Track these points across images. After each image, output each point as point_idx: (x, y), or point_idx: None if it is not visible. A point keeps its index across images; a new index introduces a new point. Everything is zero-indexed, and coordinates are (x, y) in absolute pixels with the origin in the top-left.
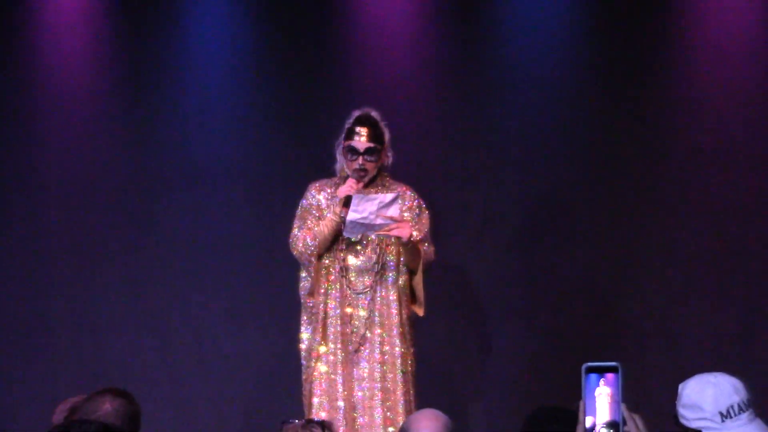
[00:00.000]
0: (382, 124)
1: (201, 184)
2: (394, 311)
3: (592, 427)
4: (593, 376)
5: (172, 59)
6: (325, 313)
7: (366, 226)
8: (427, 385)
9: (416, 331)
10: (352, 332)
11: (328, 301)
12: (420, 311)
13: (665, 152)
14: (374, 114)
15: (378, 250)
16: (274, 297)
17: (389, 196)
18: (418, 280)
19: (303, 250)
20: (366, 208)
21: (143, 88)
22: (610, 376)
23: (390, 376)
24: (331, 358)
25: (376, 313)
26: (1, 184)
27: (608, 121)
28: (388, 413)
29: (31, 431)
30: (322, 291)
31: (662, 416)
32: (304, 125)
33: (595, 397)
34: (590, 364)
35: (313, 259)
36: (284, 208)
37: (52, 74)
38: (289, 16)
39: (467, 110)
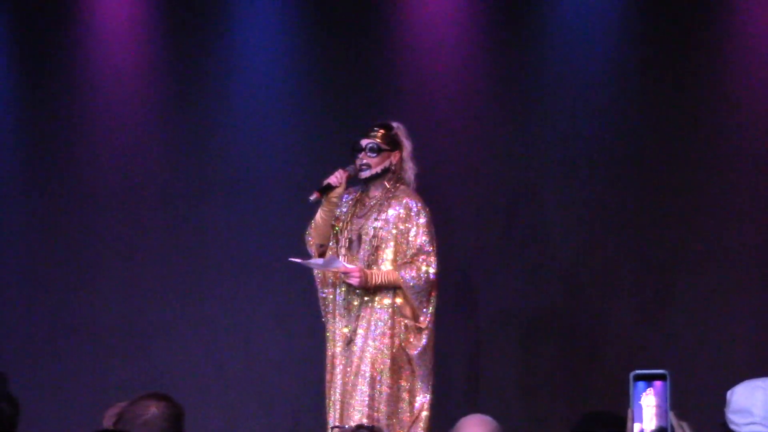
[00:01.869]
0: (400, 134)
1: (248, 189)
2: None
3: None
4: (641, 384)
5: (219, 66)
6: (335, 302)
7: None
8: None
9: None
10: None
11: (339, 290)
12: (419, 324)
13: (712, 155)
14: (395, 123)
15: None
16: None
17: (334, 265)
18: (408, 300)
19: (305, 239)
20: (313, 263)
21: (191, 93)
22: (658, 383)
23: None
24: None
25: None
26: (52, 190)
27: (654, 123)
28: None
29: None
30: (330, 282)
31: (710, 423)
32: (350, 130)
33: (642, 405)
34: (638, 371)
35: (311, 249)
36: None
37: (102, 81)
38: (335, 22)
39: (511, 112)
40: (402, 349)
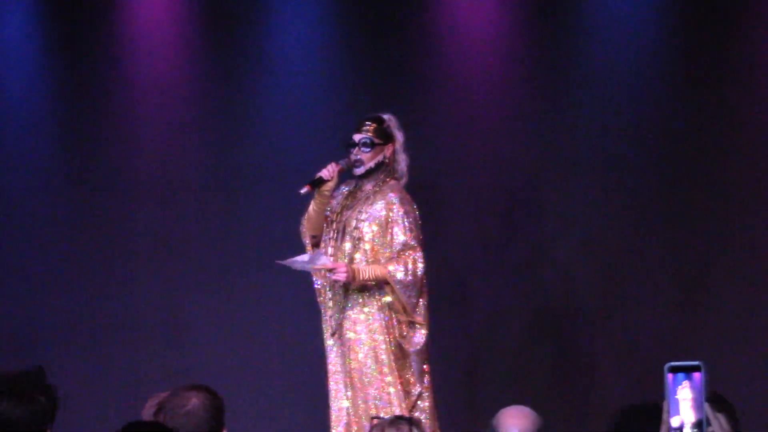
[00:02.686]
0: (392, 126)
1: (283, 182)
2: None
3: (678, 428)
4: (676, 376)
5: (255, 59)
6: (325, 293)
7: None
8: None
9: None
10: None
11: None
12: (412, 318)
13: (750, 148)
14: (386, 116)
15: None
16: None
17: (319, 262)
18: (397, 296)
19: (300, 230)
20: (298, 262)
21: (227, 86)
22: (693, 375)
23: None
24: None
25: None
26: (90, 183)
27: (694, 116)
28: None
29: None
30: (322, 272)
31: (746, 415)
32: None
33: (678, 398)
34: (673, 363)
35: (305, 240)
36: None
37: (139, 74)
38: (375, 15)
39: (550, 107)
40: (398, 344)
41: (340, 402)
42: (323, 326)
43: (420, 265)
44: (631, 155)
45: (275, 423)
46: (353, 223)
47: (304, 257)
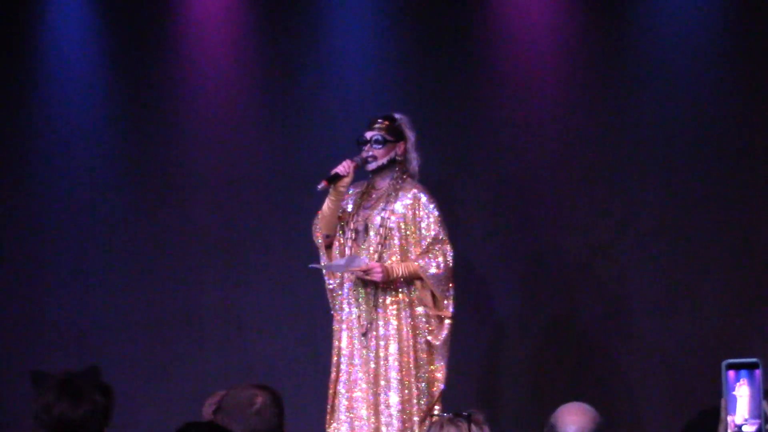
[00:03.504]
0: (403, 124)
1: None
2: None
3: (738, 426)
4: (733, 373)
5: (316, 60)
6: (343, 293)
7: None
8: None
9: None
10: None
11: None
12: (441, 312)
13: None
14: (398, 115)
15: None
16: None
17: (355, 264)
18: (428, 290)
19: (312, 229)
20: (334, 266)
21: (285, 87)
22: (752, 372)
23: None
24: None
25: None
26: (151, 180)
27: (753, 115)
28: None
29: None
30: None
31: None
32: (446, 123)
33: (735, 395)
34: (730, 361)
35: (318, 240)
36: None
37: (197, 75)
38: (430, 12)
39: (605, 106)
40: (426, 339)
41: (359, 411)
42: (334, 328)
43: (450, 258)
44: (688, 153)
45: None
46: (377, 221)
47: (341, 261)
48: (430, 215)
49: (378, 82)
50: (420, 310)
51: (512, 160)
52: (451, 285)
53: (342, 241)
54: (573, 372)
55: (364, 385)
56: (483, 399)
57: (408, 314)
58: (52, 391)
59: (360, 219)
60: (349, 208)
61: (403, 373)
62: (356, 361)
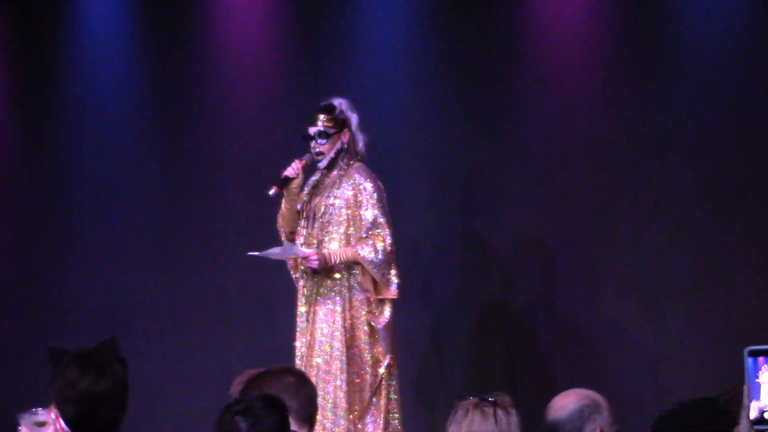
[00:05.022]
0: (344, 110)
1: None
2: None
3: (760, 411)
4: (757, 360)
5: (349, 54)
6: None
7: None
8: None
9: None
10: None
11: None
12: (383, 295)
13: None
14: (336, 102)
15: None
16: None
17: (291, 252)
18: (369, 275)
19: (277, 228)
20: (272, 254)
21: (318, 81)
22: None
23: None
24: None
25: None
26: (182, 167)
27: None
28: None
29: (209, 405)
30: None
31: None
32: (479, 121)
33: (759, 381)
34: (753, 347)
35: (282, 237)
36: (453, 201)
37: (232, 66)
38: (463, 12)
39: (639, 99)
40: (368, 322)
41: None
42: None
43: (389, 243)
44: (719, 144)
45: None
46: (322, 209)
47: (276, 250)
48: (370, 199)
49: (410, 72)
50: (360, 294)
51: (543, 150)
52: (392, 269)
53: (297, 231)
54: (595, 362)
55: (313, 371)
56: (507, 381)
57: (348, 298)
58: (75, 366)
59: (311, 206)
60: (305, 196)
61: (348, 355)
62: (305, 348)
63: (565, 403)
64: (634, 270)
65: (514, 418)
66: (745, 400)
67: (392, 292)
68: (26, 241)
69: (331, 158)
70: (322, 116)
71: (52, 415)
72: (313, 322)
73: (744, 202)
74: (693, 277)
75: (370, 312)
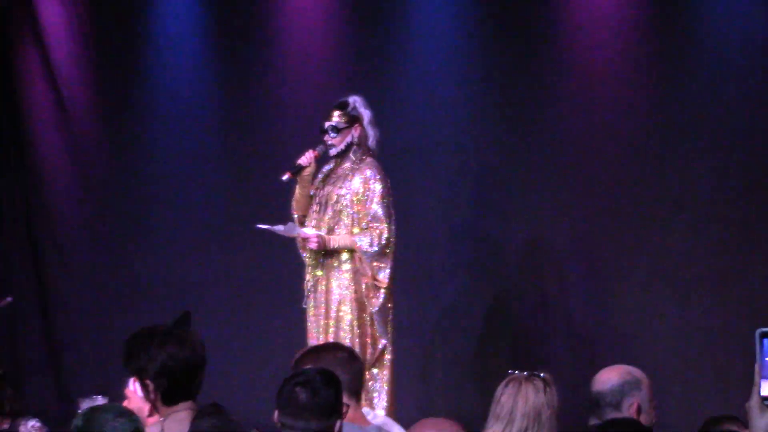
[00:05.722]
0: (357, 107)
1: (428, 164)
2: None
3: None
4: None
5: (397, 54)
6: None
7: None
8: None
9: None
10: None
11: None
12: (376, 282)
13: None
14: (351, 99)
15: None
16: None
17: (295, 232)
18: (363, 263)
19: (290, 211)
20: (276, 230)
21: (371, 77)
22: None
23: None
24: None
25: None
26: (245, 157)
27: None
28: None
29: (272, 376)
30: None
31: None
32: (511, 120)
33: None
34: (763, 329)
35: (295, 219)
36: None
37: (290, 62)
38: (502, 13)
39: (663, 97)
40: (362, 301)
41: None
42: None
43: (385, 237)
44: (742, 138)
45: (414, 379)
46: (334, 198)
47: (280, 227)
48: (376, 195)
49: (452, 78)
50: (365, 280)
51: (572, 145)
52: (386, 260)
53: (310, 214)
54: (620, 345)
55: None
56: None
57: (348, 278)
58: (170, 341)
59: (324, 194)
60: (318, 183)
61: (354, 325)
62: (314, 321)
63: (609, 377)
64: (660, 259)
65: (555, 393)
66: (756, 378)
67: (381, 280)
68: (105, 224)
69: (341, 150)
70: (336, 112)
71: (132, 389)
72: (327, 292)
73: (765, 193)
74: (716, 265)
75: (368, 295)
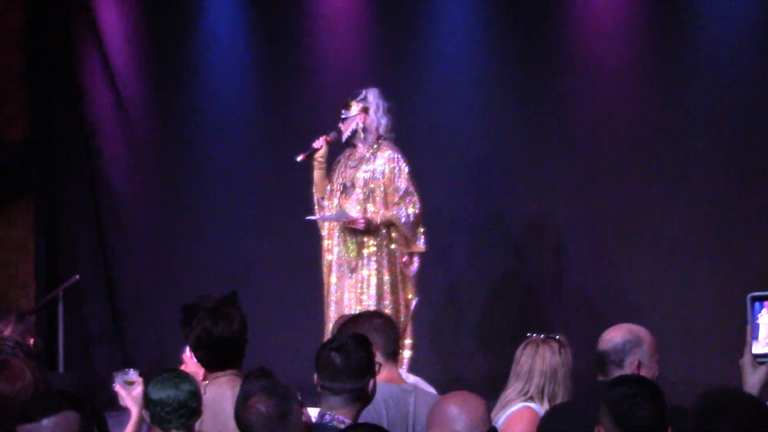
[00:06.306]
0: (368, 97)
1: (445, 158)
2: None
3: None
4: (757, 304)
5: (418, 56)
6: (341, 239)
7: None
8: None
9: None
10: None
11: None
12: (412, 249)
13: None
14: (365, 90)
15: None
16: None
17: (345, 216)
18: (401, 233)
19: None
20: (328, 217)
21: (399, 74)
22: None
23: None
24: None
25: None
26: (290, 148)
27: None
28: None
29: (311, 343)
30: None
31: None
32: (531, 115)
33: (759, 323)
34: (755, 294)
35: (315, 201)
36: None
37: (323, 62)
38: (518, 10)
39: (664, 89)
40: (401, 271)
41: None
42: (324, 270)
43: (418, 208)
44: (738, 120)
45: (442, 354)
46: (360, 179)
47: (332, 214)
48: (402, 172)
49: (474, 66)
50: (394, 246)
51: (588, 136)
52: (419, 228)
53: (330, 194)
54: (626, 311)
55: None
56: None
57: (386, 252)
58: (207, 317)
59: (347, 176)
60: (338, 166)
61: (384, 290)
62: (345, 290)
63: (612, 336)
64: (663, 231)
65: (570, 354)
66: (748, 338)
67: (420, 246)
68: (163, 209)
69: (348, 136)
70: (348, 101)
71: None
72: (359, 281)
73: (760, 171)
74: (714, 238)
75: (402, 262)
